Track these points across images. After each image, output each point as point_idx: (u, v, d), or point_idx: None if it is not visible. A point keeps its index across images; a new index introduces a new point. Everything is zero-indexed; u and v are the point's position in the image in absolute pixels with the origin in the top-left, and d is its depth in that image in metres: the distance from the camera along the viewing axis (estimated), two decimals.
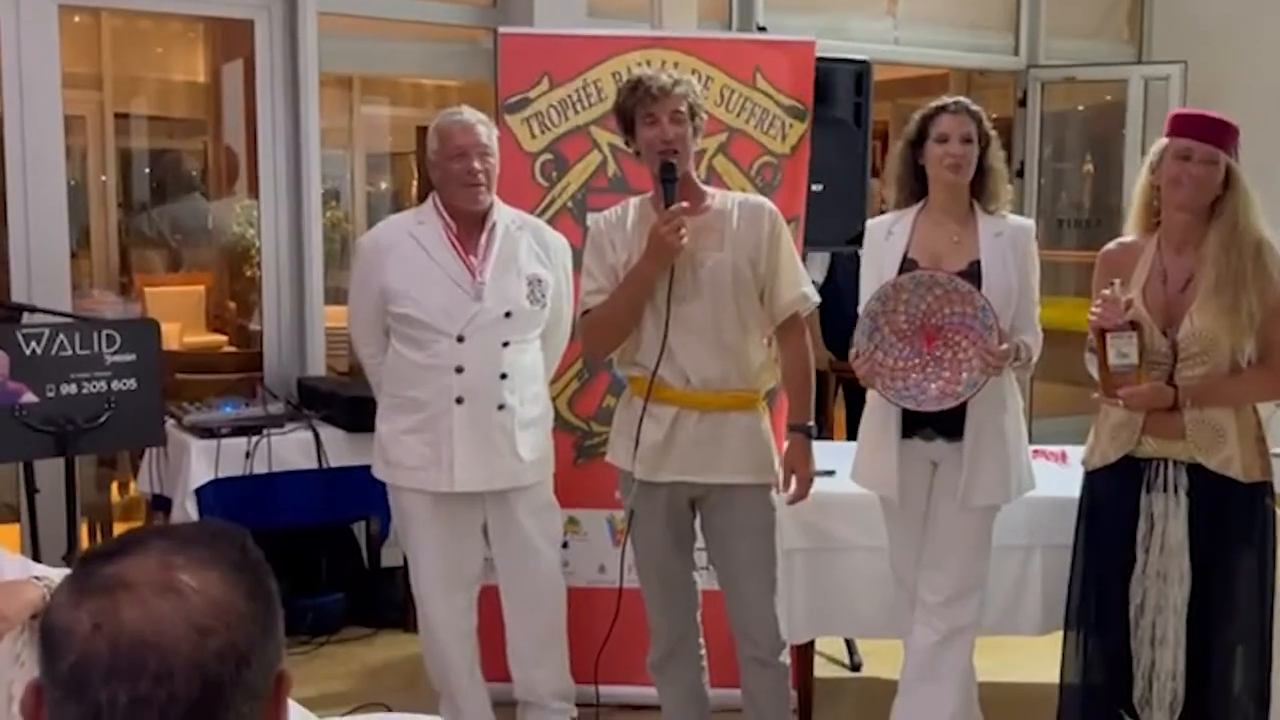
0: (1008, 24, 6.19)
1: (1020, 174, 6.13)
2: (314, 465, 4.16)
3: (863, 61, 3.98)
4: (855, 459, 3.20)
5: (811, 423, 3.05)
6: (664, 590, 3.09)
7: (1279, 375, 2.88)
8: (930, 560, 3.07)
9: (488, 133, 3.28)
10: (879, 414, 3.10)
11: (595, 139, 3.77)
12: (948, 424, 3.00)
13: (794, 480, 3.04)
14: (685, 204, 2.86)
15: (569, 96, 3.81)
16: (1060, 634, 3.16)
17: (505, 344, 3.27)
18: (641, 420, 2.96)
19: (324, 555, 4.53)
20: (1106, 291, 2.86)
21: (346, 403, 4.20)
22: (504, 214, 3.35)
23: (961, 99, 3.09)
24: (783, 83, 3.74)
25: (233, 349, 6.40)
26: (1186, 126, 2.91)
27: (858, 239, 3.82)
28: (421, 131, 9.11)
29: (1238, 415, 2.87)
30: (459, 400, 3.23)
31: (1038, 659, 3.53)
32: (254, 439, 4.07)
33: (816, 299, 3.06)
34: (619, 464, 3.07)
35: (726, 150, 3.76)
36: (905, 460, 3.05)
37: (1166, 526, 2.87)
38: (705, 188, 3.05)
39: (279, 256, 4.73)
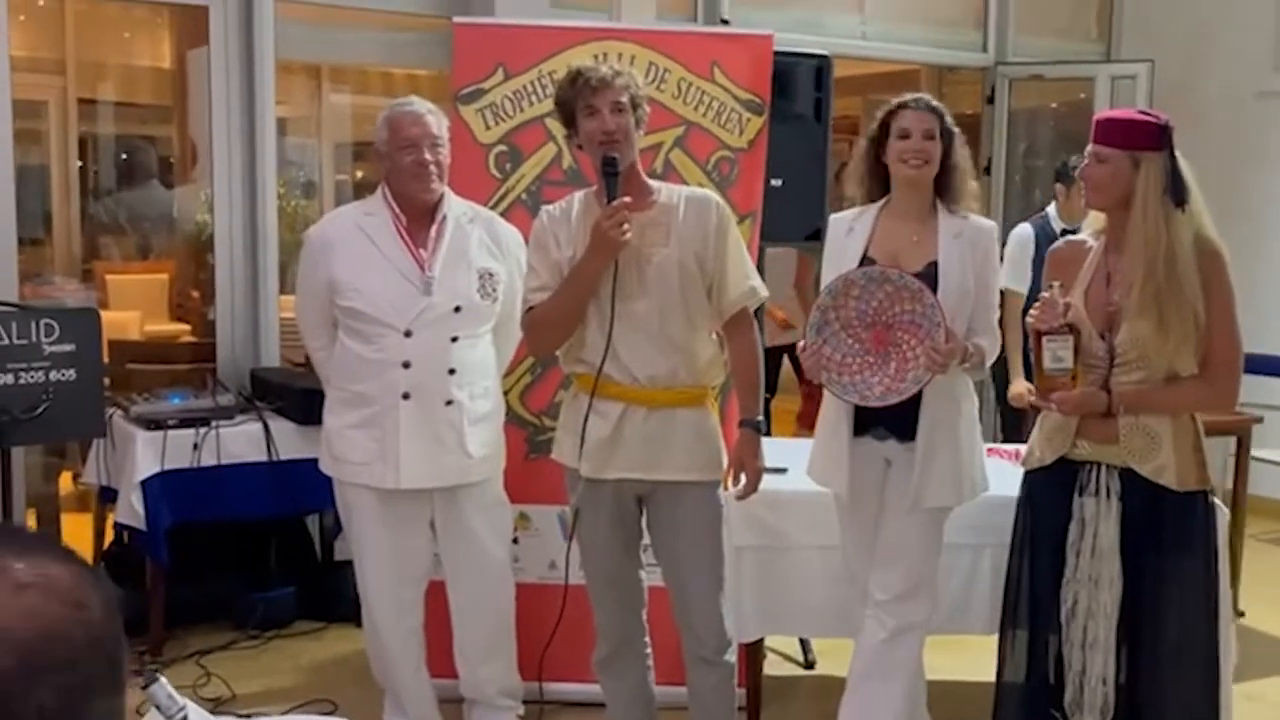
0: (976, 21, 6.16)
1: (988, 171, 6.11)
2: (264, 458, 4.11)
3: (823, 56, 3.96)
4: (811, 455, 3.17)
5: (760, 417, 3.01)
6: (609, 588, 3.05)
7: (1214, 390, 2.82)
8: (881, 558, 3.04)
9: (438, 123, 3.23)
10: (832, 410, 3.07)
11: (550, 131, 3.71)
12: (900, 424, 2.97)
13: (743, 475, 3.00)
14: (628, 199, 2.82)
15: (524, 88, 3.76)
16: None
17: (454, 339, 3.22)
18: (587, 417, 2.92)
19: (275, 549, 4.48)
20: (1045, 294, 2.82)
21: (298, 395, 4.15)
22: (455, 206, 3.29)
23: (923, 96, 3.06)
24: (740, 77, 3.71)
25: (192, 339, 6.33)
26: (1094, 128, 2.87)
27: (816, 235, 3.80)
28: None
29: (1174, 423, 2.81)
30: (405, 396, 3.18)
31: (987, 657, 3.51)
32: (202, 430, 4.02)
33: (765, 293, 3.02)
34: (565, 461, 3.03)
35: (683, 144, 3.72)
36: (858, 458, 3.03)
37: (1098, 530, 2.84)
38: (651, 182, 3.00)
39: (233, 246, 4.67)
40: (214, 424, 4.05)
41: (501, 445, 3.41)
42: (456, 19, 3.91)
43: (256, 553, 4.44)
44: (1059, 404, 2.81)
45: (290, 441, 4.12)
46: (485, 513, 3.37)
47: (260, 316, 4.69)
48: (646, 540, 3.07)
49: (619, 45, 3.73)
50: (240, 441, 4.10)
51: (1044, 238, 4.60)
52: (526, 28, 3.88)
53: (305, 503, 4.21)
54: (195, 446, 3.99)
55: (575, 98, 2.84)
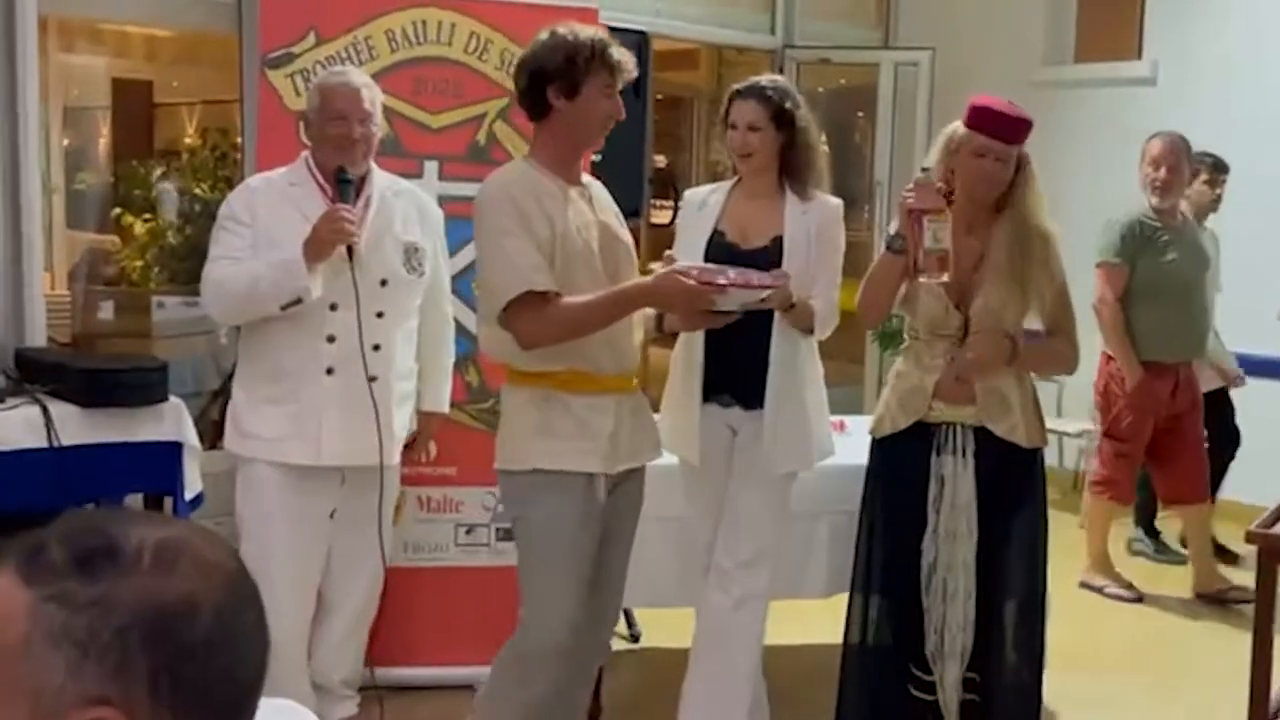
0: (764, 3, 6.32)
1: None
2: (44, 444, 3.76)
3: (641, 33, 3.97)
4: (660, 423, 3.20)
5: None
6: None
7: (1074, 345, 3.13)
8: (729, 525, 3.09)
9: (371, 97, 3.11)
10: (679, 378, 3.11)
11: None
12: (746, 391, 3.03)
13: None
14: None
15: (338, 53, 3.61)
16: (843, 598, 3.26)
17: (380, 314, 3.11)
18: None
19: None
20: (919, 175, 2.90)
21: (80, 375, 3.80)
22: (380, 179, 3.19)
23: (757, 82, 3.12)
24: None
25: None
26: (987, 122, 2.97)
27: (635, 213, 3.82)
28: (119, 84, 8.40)
29: (1019, 386, 3.04)
30: (329, 371, 3.05)
31: (819, 621, 3.65)
32: None
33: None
34: None
35: (507, 116, 3.66)
36: (705, 425, 3.07)
37: (956, 486, 3.01)
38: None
39: None
40: None
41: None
42: None
43: None
44: (973, 363, 2.95)
45: (74, 426, 3.78)
46: (392, 494, 3.26)
47: (25, 292, 4.27)
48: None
49: (439, 13, 3.64)
50: (15, 427, 3.73)
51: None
52: None
53: (94, 491, 3.88)
54: None
55: (599, 71, 2.68)
